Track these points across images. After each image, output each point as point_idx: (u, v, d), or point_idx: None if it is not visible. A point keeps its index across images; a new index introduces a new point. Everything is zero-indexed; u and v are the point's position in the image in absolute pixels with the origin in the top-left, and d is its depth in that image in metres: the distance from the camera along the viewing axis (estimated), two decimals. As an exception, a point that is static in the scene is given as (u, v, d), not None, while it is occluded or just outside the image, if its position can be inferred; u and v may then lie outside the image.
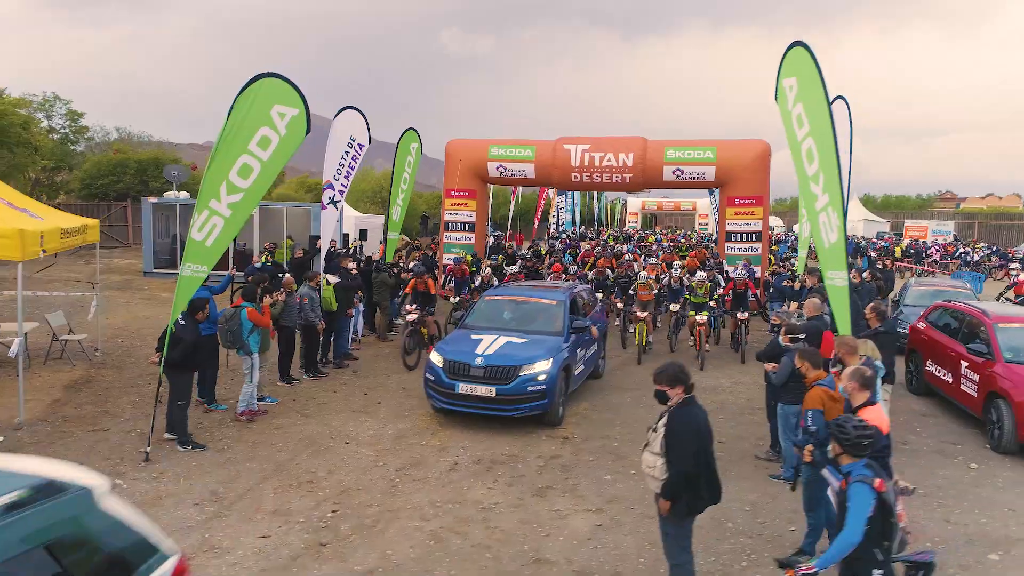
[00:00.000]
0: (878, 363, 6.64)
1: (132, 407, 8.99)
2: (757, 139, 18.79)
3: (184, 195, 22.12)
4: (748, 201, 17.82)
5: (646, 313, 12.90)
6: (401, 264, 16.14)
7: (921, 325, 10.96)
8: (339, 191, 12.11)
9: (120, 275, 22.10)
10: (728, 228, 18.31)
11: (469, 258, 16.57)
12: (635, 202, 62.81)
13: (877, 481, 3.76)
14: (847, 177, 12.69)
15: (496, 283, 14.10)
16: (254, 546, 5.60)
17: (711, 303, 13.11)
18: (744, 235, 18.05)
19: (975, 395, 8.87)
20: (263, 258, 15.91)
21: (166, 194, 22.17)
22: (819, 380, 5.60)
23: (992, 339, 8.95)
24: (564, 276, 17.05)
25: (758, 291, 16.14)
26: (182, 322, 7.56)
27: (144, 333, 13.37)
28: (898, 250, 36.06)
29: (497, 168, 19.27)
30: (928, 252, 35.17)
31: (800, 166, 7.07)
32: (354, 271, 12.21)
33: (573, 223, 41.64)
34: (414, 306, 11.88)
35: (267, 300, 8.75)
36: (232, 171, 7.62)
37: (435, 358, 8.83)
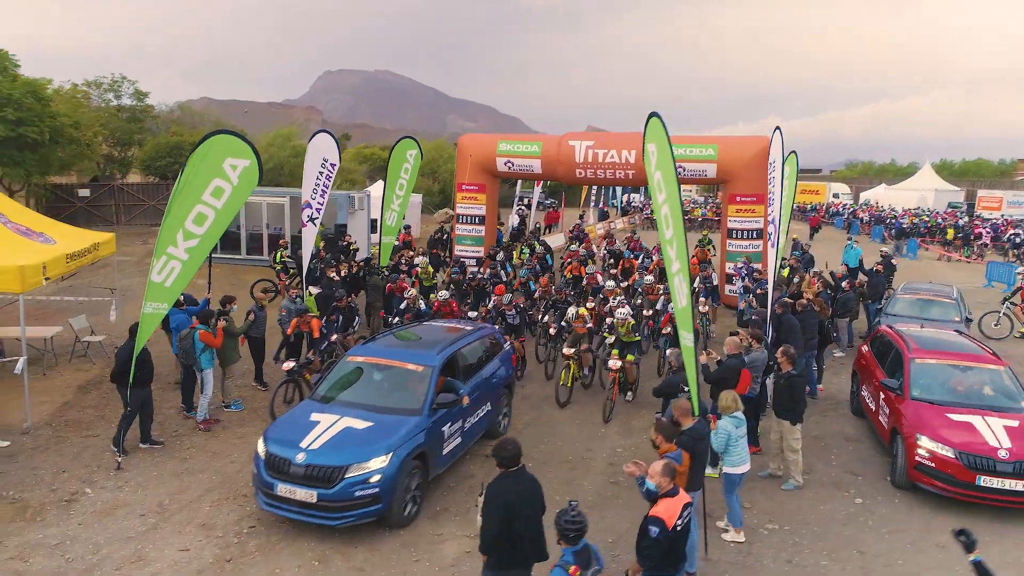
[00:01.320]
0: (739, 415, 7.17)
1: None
2: (760, 136, 18.75)
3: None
4: (749, 199, 17.95)
5: (573, 350, 11.22)
6: (403, 262, 17.20)
7: (865, 348, 11.23)
8: (316, 209, 13.13)
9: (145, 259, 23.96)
10: (730, 225, 18.52)
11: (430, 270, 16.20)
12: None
13: (572, 568, 4.48)
14: (779, 209, 12.71)
15: (423, 307, 12.99)
16: (173, 558, 6.79)
17: (641, 340, 11.87)
18: (745, 232, 18.22)
19: (886, 427, 9.26)
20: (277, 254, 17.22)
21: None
22: (668, 453, 6.08)
23: (905, 374, 9.26)
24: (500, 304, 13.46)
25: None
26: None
27: (160, 331, 14.81)
28: (950, 231, 34.66)
29: (505, 163, 19.94)
30: (979, 233, 33.66)
31: (660, 229, 7.58)
32: (336, 279, 13.26)
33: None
34: (290, 361, 10.32)
35: (221, 323, 9.84)
36: (188, 219, 8.71)
37: (259, 447, 7.53)
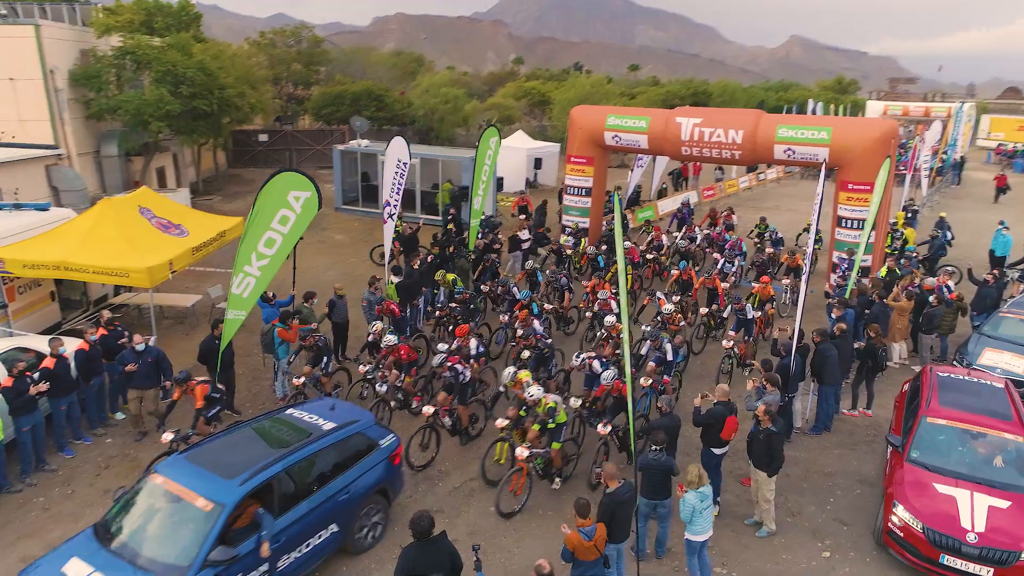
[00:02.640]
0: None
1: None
2: (883, 119, 17.41)
3: (365, 143, 25.90)
4: (862, 187, 16.96)
5: (507, 422, 9.54)
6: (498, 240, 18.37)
7: (906, 387, 10.90)
8: (393, 206, 14.58)
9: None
10: (839, 213, 17.65)
11: (449, 277, 14.97)
12: (876, 106, 56.28)
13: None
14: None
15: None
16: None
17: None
18: (856, 222, 17.32)
19: (886, 480, 9.27)
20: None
21: (351, 142, 26.14)
22: (581, 528, 6.80)
23: (911, 433, 9.13)
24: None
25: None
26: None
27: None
28: None
29: (613, 137, 20.12)
30: None
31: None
32: (415, 265, 14.74)
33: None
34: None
35: (294, 323, 11.66)
36: (260, 243, 10.47)
37: None
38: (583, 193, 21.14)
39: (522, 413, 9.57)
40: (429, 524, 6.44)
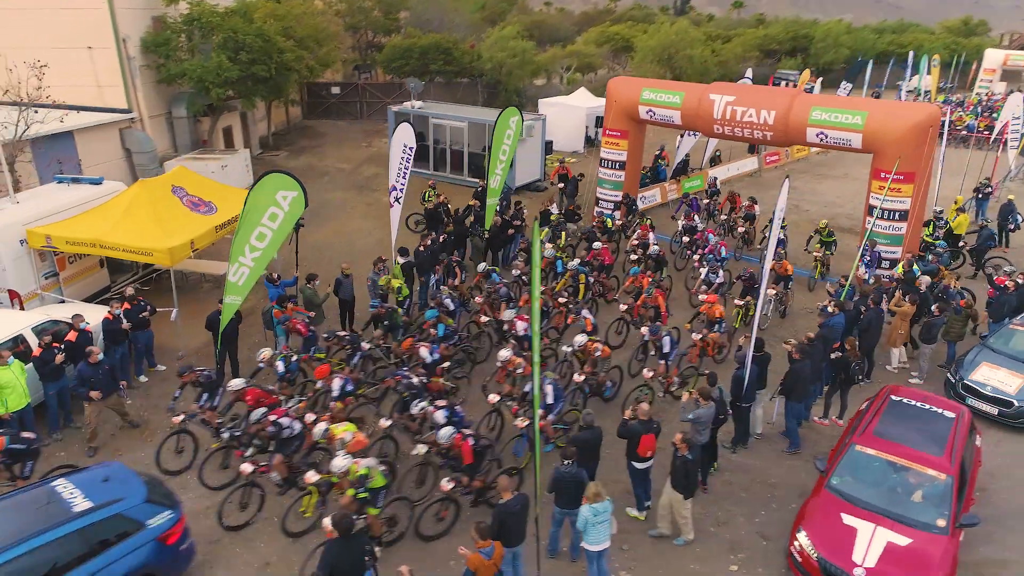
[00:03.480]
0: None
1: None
2: (924, 104, 16.41)
3: (419, 104, 26.56)
4: (896, 177, 16.23)
5: (316, 478, 9.09)
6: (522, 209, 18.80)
7: (864, 404, 10.85)
8: (400, 190, 15.28)
9: (375, 167, 28.04)
10: (870, 202, 17.01)
11: (395, 284, 14.36)
12: (995, 55, 51.34)
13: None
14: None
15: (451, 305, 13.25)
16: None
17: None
18: (888, 212, 16.66)
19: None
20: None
21: (405, 104, 26.83)
22: (481, 548, 7.44)
23: (836, 460, 9.28)
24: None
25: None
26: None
27: (329, 255, 18.35)
28: None
29: (647, 112, 19.90)
30: None
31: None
32: (424, 247, 15.47)
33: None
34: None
35: (290, 306, 12.73)
36: (251, 237, 11.51)
37: None
38: (617, 167, 21.11)
39: (334, 479, 8.90)
40: (350, 524, 7.39)
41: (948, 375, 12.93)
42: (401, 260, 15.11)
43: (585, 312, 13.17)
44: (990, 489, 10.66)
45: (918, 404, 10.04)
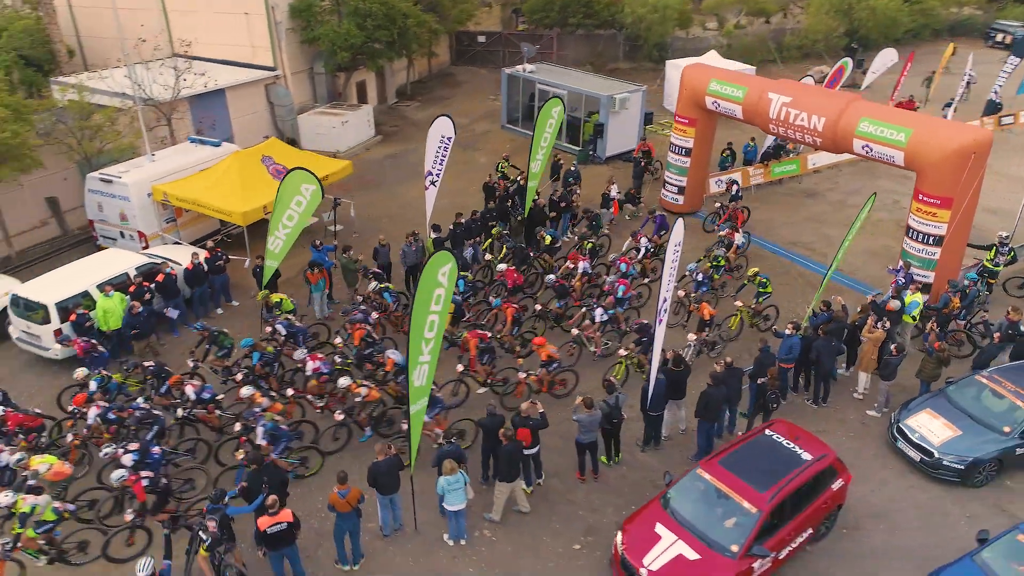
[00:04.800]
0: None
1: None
2: (973, 127, 15.57)
3: (531, 68, 28.15)
4: (933, 201, 15.85)
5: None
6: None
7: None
8: (436, 174, 17.51)
9: (489, 123, 30.25)
10: (909, 223, 16.63)
11: (274, 298, 14.97)
12: None
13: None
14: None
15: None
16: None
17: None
18: (923, 236, 16.28)
19: (661, 508, 11.00)
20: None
21: (516, 67, 28.51)
22: (339, 490, 10.11)
23: (678, 477, 10.67)
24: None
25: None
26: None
27: (411, 214, 21.06)
28: None
29: (713, 103, 20.21)
30: None
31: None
32: (456, 223, 17.73)
33: None
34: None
35: (317, 272, 15.73)
36: (283, 217, 14.58)
37: None
38: (683, 153, 21.62)
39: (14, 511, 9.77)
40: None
41: (893, 413, 13.24)
42: (433, 235, 17.58)
43: (391, 352, 13.57)
44: (866, 528, 11.43)
45: (782, 442, 10.95)
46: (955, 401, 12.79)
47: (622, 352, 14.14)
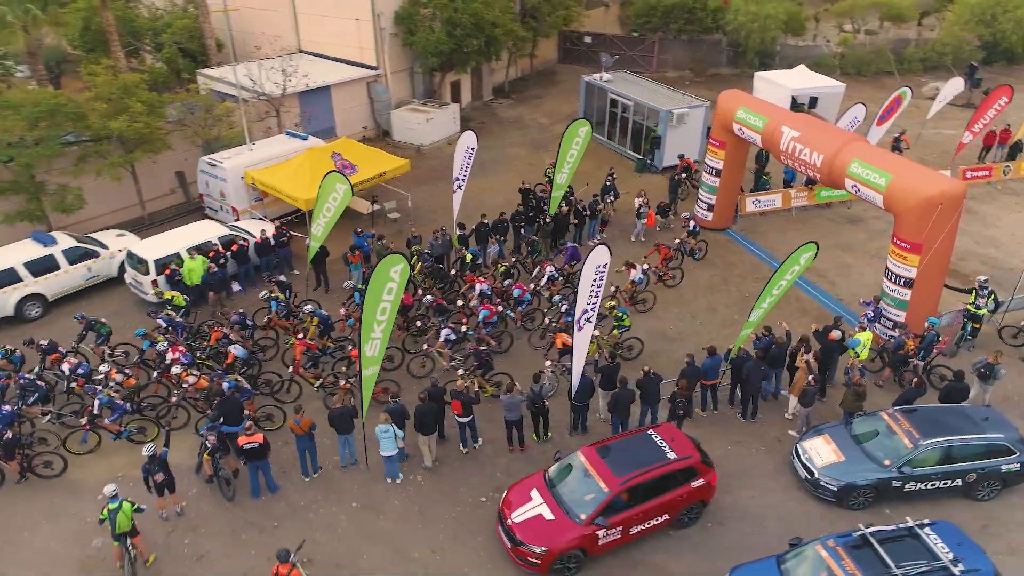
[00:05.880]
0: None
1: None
2: (947, 178, 16.26)
3: (608, 76, 30.16)
4: (904, 245, 16.82)
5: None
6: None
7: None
8: (462, 180, 20.36)
9: (564, 122, 32.45)
10: (887, 263, 17.53)
11: (179, 299, 17.56)
12: None
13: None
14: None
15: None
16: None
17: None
18: (896, 277, 17.22)
19: (554, 480, 13.51)
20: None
21: (595, 75, 30.56)
22: (296, 419, 13.76)
23: (561, 458, 13.11)
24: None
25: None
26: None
27: (471, 206, 24.46)
28: None
29: (738, 129, 21.55)
30: None
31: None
32: (480, 223, 20.60)
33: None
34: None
35: (356, 253, 19.20)
36: (323, 209, 18.18)
37: None
38: (714, 173, 23.02)
39: None
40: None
41: (797, 434, 14.76)
42: (458, 232, 20.59)
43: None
44: (728, 526, 13.33)
45: (656, 441, 12.99)
46: (852, 431, 14.13)
47: (596, 333, 15.78)
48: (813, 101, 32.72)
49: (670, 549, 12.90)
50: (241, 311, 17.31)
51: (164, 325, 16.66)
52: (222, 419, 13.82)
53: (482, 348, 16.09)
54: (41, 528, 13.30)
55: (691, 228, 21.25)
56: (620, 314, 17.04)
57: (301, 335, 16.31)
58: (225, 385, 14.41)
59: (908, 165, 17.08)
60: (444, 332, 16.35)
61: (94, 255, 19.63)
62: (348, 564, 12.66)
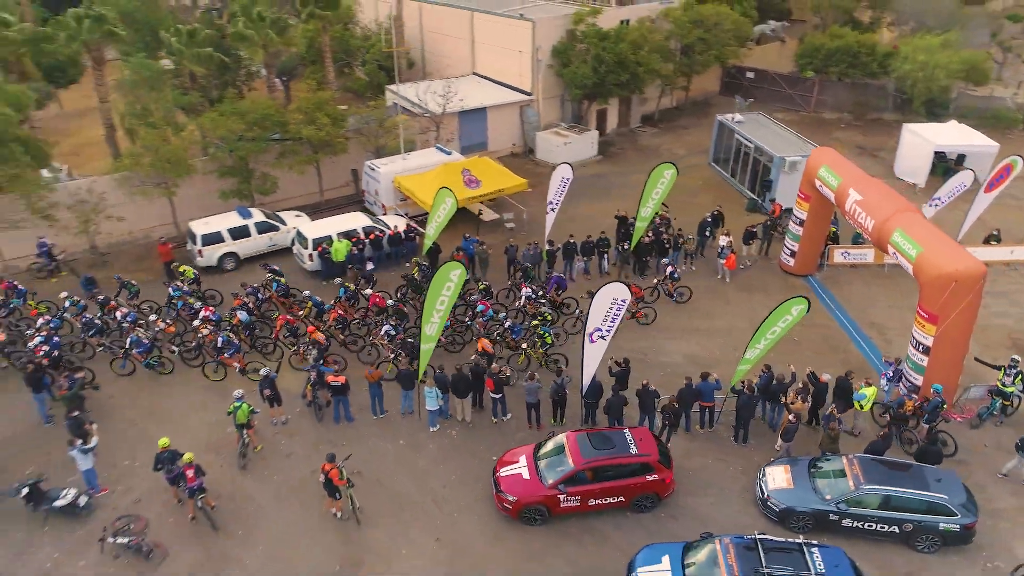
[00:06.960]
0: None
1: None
2: (970, 255, 17.38)
3: (740, 118, 32.11)
4: (923, 314, 18.17)
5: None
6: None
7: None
8: (555, 204, 23.96)
9: (699, 157, 34.68)
10: (912, 332, 18.74)
11: (189, 272, 24.02)
12: None
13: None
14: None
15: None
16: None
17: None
18: (917, 343, 18.53)
19: (547, 454, 17.11)
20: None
21: (727, 115, 32.57)
22: (370, 370, 18.50)
23: (547, 441, 16.67)
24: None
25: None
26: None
27: (573, 226, 28.25)
28: None
29: (819, 185, 23.18)
30: None
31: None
32: (569, 241, 24.23)
33: None
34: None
35: (460, 253, 23.71)
36: (435, 216, 22.91)
37: None
38: (799, 223, 24.65)
39: None
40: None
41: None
42: (547, 247, 24.42)
43: None
44: (679, 520, 16.09)
45: (627, 438, 15.98)
46: (812, 466, 16.13)
47: (524, 346, 20.15)
48: (961, 158, 32.23)
49: (623, 526, 15.98)
50: (254, 285, 22.39)
51: (172, 293, 21.79)
52: (322, 361, 19.09)
53: (410, 340, 19.80)
54: (193, 415, 19.29)
55: (669, 273, 23.46)
56: (543, 331, 20.24)
57: (301, 313, 21.58)
58: (220, 340, 19.88)
59: (941, 241, 18.18)
60: (384, 328, 20.29)
61: (275, 228, 26.09)
62: (385, 481, 17.21)
